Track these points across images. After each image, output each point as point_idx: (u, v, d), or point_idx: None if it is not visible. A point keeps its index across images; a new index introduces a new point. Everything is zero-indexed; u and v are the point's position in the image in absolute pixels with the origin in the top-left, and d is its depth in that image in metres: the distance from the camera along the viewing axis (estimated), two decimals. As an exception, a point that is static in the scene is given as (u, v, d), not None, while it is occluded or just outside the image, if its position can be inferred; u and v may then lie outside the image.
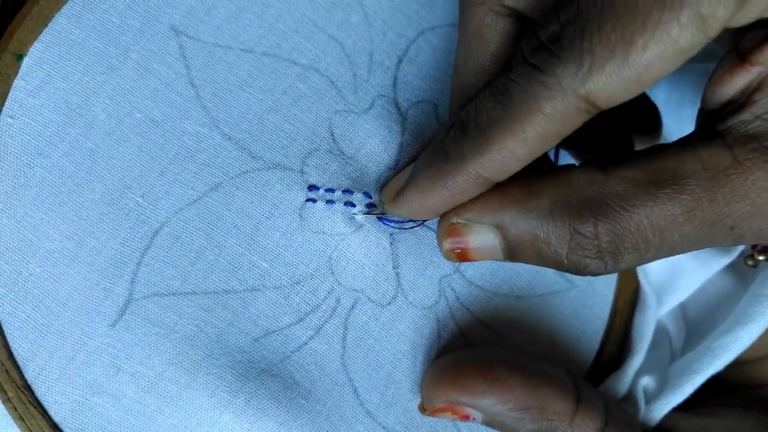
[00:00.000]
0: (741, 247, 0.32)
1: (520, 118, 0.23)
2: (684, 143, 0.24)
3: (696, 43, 0.21)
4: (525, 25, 0.26)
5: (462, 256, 0.26)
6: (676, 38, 0.21)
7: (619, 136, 0.30)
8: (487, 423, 0.28)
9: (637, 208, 0.23)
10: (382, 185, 0.29)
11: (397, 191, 0.27)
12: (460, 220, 0.25)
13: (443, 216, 0.26)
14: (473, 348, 0.30)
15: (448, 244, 0.26)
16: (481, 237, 0.25)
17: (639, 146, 0.30)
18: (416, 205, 0.26)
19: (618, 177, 0.23)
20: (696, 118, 0.26)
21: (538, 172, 0.25)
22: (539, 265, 0.25)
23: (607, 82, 0.21)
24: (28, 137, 0.26)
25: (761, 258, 0.33)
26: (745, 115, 0.23)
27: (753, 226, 0.23)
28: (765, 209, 0.23)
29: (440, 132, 0.26)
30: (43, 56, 0.26)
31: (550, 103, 0.22)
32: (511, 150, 0.23)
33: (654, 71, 0.21)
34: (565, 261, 0.24)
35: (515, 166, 0.24)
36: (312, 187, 0.28)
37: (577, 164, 0.26)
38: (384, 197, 0.28)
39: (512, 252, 0.25)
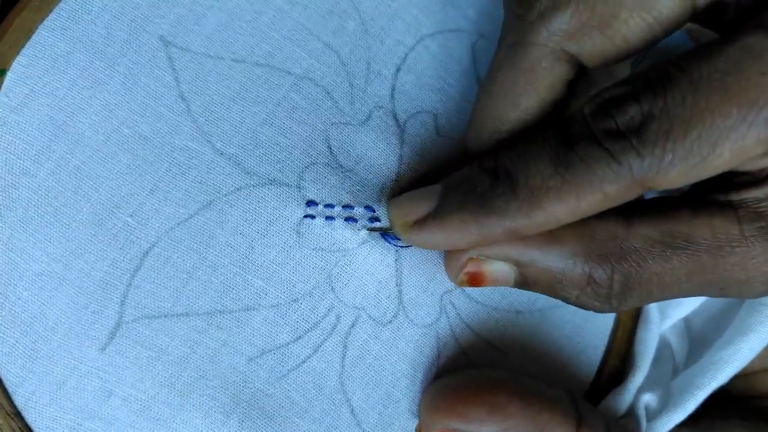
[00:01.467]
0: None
1: (578, 192, 0.23)
2: (698, 207, 0.25)
3: (760, 153, 0.22)
4: (579, 71, 0.26)
5: (473, 282, 0.26)
6: (749, 151, 0.22)
7: None
8: None
9: (649, 266, 0.24)
10: (389, 200, 0.28)
11: (416, 219, 0.26)
12: (480, 256, 0.26)
13: (459, 242, 0.26)
14: (472, 371, 0.29)
15: (463, 275, 0.26)
16: (497, 268, 0.26)
17: None
18: (437, 240, 0.26)
19: (637, 234, 0.25)
20: None
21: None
22: (545, 295, 0.26)
23: (676, 177, 0.22)
24: (12, 156, 0.25)
25: None
26: (759, 193, 0.24)
27: (740, 289, 0.25)
28: (755, 279, 0.25)
29: (473, 170, 0.25)
30: (26, 71, 0.25)
31: (615, 186, 0.23)
32: (557, 218, 0.24)
33: (716, 172, 0.23)
34: (574, 300, 0.25)
35: (553, 228, 0.24)
36: (310, 203, 0.28)
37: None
38: (397, 219, 0.27)
39: (524, 284, 0.26)
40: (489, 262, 0.26)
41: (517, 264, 0.26)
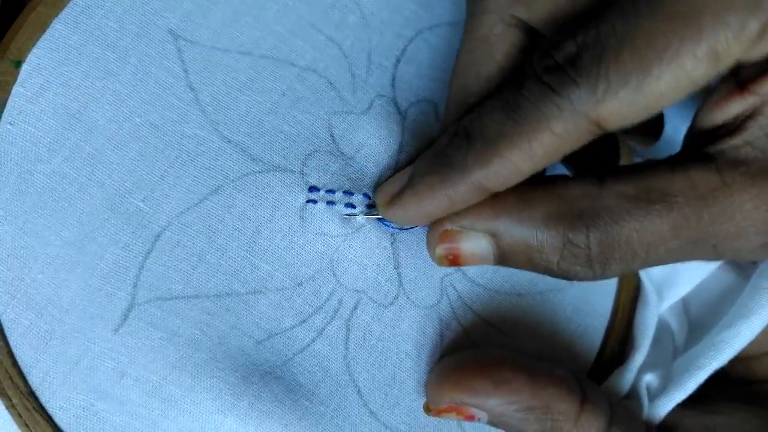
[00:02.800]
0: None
1: (529, 134, 0.23)
2: (674, 162, 0.24)
3: (707, 76, 0.22)
4: (532, 38, 0.26)
5: (454, 261, 0.26)
6: (690, 71, 0.22)
7: (607, 145, 0.30)
8: (492, 423, 0.28)
9: (627, 222, 0.24)
10: (377, 187, 0.29)
11: (394, 195, 0.27)
12: (454, 227, 0.26)
13: (436, 222, 0.26)
14: (478, 348, 0.30)
15: (441, 250, 0.26)
16: (474, 243, 0.26)
17: (640, 148, 0.30)
18: (413, 211, 0.26)
19: (611, 191, 0.24)
20: (684, 137, 0.26)
21: (532, 182, 0.25)
22: (528, 270, 0.26)
23: (619, 108, 0.22)
24: (28, 144, 0.26)
25: None
26: (736, 140, 0.24)
27: (734, 246, 0.24)
28: (747, 231, 0.24)
29: (441, 138, 0.26)
30: (41, 62, 0.26)
31: (561, 123, 0.23)
32: (515, 164, 0.24)
33: (665, 100, 0.22)
34: (556, 268, 0.25)
35: (517, 179, 0.24)
36: (312, 189, 0.28)
37: (569, 174, 0.27)
38: (379, 200, 0.28)
39: (504, 258, 0.26)
40: (465, 235, 0.26)
41: (492, 234, 0.25)
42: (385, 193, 0.28)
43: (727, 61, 0.22)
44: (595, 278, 0.25)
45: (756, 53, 0.22)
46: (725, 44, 0.21)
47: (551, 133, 0.23)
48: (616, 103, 0.22)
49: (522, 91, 0.24)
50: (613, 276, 0.25)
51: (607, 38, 0.22)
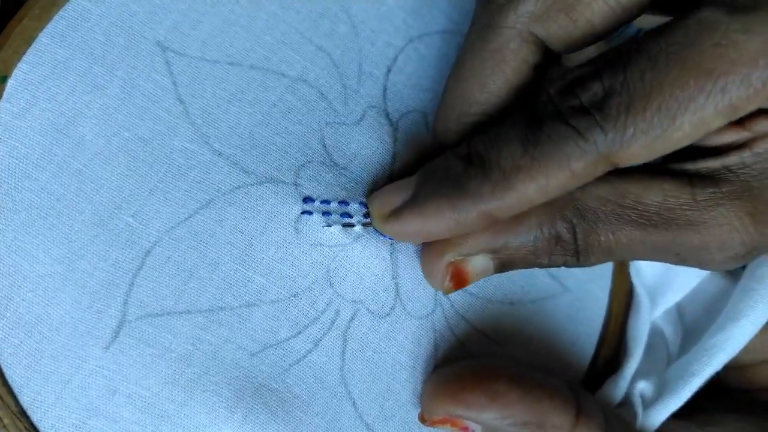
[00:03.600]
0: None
1: (547, 172, 0.24)
2: (651, 172, 0.26)
3: (722, 125, 0.23)
4: (545, 57, 0.27)
5: (459, 286, 0.27)
6: (709, 122, 0.23)
7: None
8: None
9: (603, 224, 0.26)
10: (368, 196, 0.28)
11: (393, 209, 0.27)
12: (457, 257, 0.27)
13: (433, 253, 0.27)
14: (474, 359, 0.30)
15: (448, 282, 0.27)
16: (477, 264, 0.27)
17: None
18: (413, 228, 0.26)
19: (590, 195, 0.26)
20: None
21: None
22: (523, 268, 0.28)
23: (639, 152, 0.23)
24: (14, 160, 0.26)
25: None
26: (715, 164, 0.25)
27: (696, 256, 0.26)
28: (710, 246, 0.25)
29: (448, 159, 0.26)
30: (27, 77, 0.26)
31: (581, 163, 0.23)
32: (529, 198, 0.24)
33: (680, 144, 0.23)
34: (547, 263, 0.27)
35: (525, 209, 0.25)
36: (307, 199, 0.28)
37: None
38: (375, 212, 0.28)
39: (503, 267, 0.27)
40: (469, 260, 0.27)
41: (493, 251, 0.27)
42: (381, 206, 0.27)
43: (742, 113, 0.23)
44: (576, 265, 0.27)
45: (766, 104, 0.23)
46: (745, 101, 0.22)
47: (570, 173, 0.24)
48: (637, 148, 0.23)
49: (544, 128, 0.24)
50: (593, 264, 0.27)
51: (635, 85, 0.23)
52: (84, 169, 0.26)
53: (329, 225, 0.28)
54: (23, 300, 0.26)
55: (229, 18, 0.28)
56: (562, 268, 0.32)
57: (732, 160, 0.25)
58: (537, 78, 0.27)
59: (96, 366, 0.26)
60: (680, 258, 0.26)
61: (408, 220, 0.26)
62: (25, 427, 0.25)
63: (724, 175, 0.25)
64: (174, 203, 0.27)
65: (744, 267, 0.33)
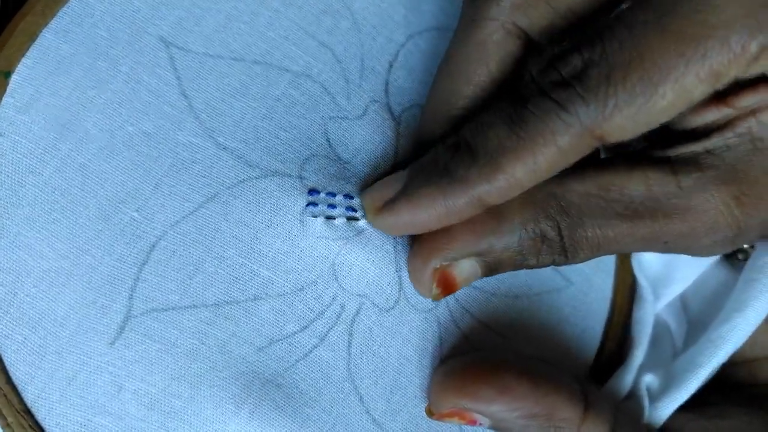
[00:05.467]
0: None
1: (534, 150, 0.24)
2: (633, 162, 0.25)
3: (706, 93, 0.23)
4: (529, 48, 0.27)
5: (447, 292, 0.27)
6: (691, 90, 0.23)
7: None
8: (495, 429, 0.28)
9: (589, 219, 0.25)
10: (362, 191, 0.28)
11: (385, 202, 0.27)
12: (443, 263, 0.26)
13: (419, 260, 0.27)
14: (482, 352, 0.30)
15: (436, 289, 0.27)
16: (464, 268, 0.26)
17: None
18: (405, 219, 0.26)
19: (573, 190, 0.26)
20: (651, 132, 0.27)
21: None
22: (512, 270, 0.27)
23: (623, 123, 0.23)
24: (18, 155, 0.26)
25: (747, 246, 0.33)
26: (697, 147, 0.25)
27: (683, 243, 0.26)
28: (697, 231, 0.25)
29: (437, 149, 0.26)
30: (31, 73, 0.26)
31: (567, 138, 0.23)
32: (518, 179, 0.24)
33: (665, 115, 0.23)
34: (536, 263, 0.26)
35: (516, 193, 0.25)
36: (312, 191, 0.28)
37: None
38: (368, 205, 0.28)
39: (491, 271, 0.27)
40: (456, 265, 0.26)
41: (478, 255, 0.26)
42: (373, 199, 0.27)
43: (725, 80, 0.23)
44: (567, 263, 0.27)
45: (751, 72, 0.23)
46: (726, 66, 0.22)
47: (556, 148, 0.23)
48: (621, 119, 0.23)
49: (527, 106, 0.24)
50: (583, 261, 0.27)
51: (614, 55, 0.23)
52: (88, 164, 0.26)
53: (334, 218, 0.28)
54: (27, 296, 0.25)
55: (232, 14, 0.29)
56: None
57: (715, 142, 0.25)
58: (521, 71, 0.27)
59: (101, 362, 0.26)
60: (667, 247, 0.26)
61: (399, 211, 0.26)
62: (29, 424, 0.25)
63: (708, 159, 0.25)
64: (179, 197, 0.27)
65: (746, 258, 0.33)
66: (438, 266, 0.26)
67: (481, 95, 0.27)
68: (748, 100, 0.24)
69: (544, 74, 0.24)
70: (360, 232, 0.28)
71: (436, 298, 0.27)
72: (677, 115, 0.23)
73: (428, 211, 0.25)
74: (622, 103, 0.23)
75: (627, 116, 0.23)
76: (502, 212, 0.26)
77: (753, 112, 0.24)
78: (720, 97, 0.24)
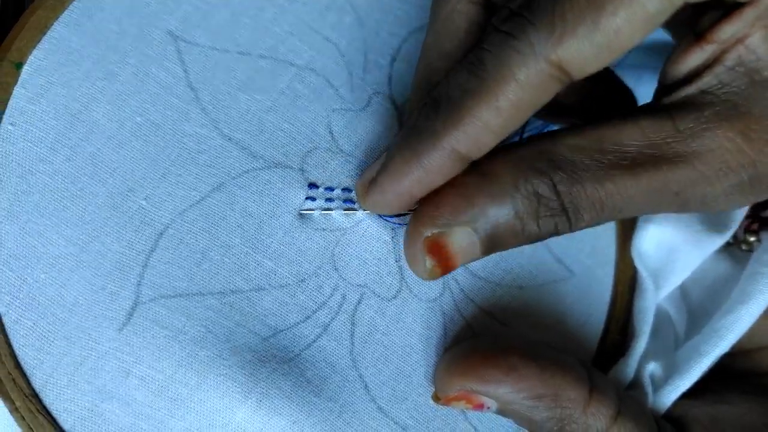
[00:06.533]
0: (734, 228, 0.32)
1: (494, 87, 0.23)
2: (626, 114, 0.24)
3: (663, 10, 0.22)
4: (493, 11, 0.27)
5: (445, 267, 0.25)
6: (644, 3, 0.22)
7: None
8: (501, 412, 0.28)
9: (585, 172, 0.24)
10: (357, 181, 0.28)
11: (370, 181, 0.26)
12: (434, 231, 0.25)
13: (412, 237, 0.25)
14: (488, 336, 0.30)
15: (429, 261, 0.25)
16: (460, 238, 0.25)
17: None
18: (390, 191, 0.25)
19: (564, 145, 0.24)
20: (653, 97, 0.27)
21: (489, 157, 0.25)
22: (518, 245, 0.25)
23: (579, 47, 0.22)
24: (29, 144, 0.26)
25: (752, 239, 0.34)
26: (690, 89, 0.24)
27: (696, 192, 0.24)
28: (707, 175, 0.24)
29: (411, 114, 0.26)
30: (42, 64, 0.27)
31: (524, 69, 0.23)
32: (485, 121, 0.23)
33: (623, 37, 0.22)
34: (539, 230, 0.24)
35: (490, 140, 0.24)
36: (312, 186, 0.29)
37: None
38: (358, 192, 0.27)
39: (492, 243, 0.25)
40: (449, 234, 0.24)
41: (472, 221, 0.24)
42: (362, 184, 0.27)
43: None
44: (572, 229, 0.25)
45: None
46: None
47: (516, 83, 0.23)
48: (575, 42, 0.22)
49: (483, 45, 0.24)
50: (588, 226, 0.25)
51: None
52: (98, 153, 0.27)
53: (330, 210, 0.29)
54: (36, 282, 0.26)
55: (238, 9, 0.29)
56: (568, 250, 0.33)
57: (707, 81, 0.24)
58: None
59: (109, 348, 0.26)
60: (682, 199, 0.24)
61: (382, 185, 0.25)
62: (37, 409, 0.25)
63: (704, 99, 0.24)
64: (186, 186, 0.27)
65: (749, 249, 0.33)
66: (429, 234, 0.25)
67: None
68: (725, 30, 0.23)
69: (498, 15, 0.24)
70: (358, 222, 0.29)
71: (433, 276, 0.25)
72: (641, 37, 0.22)
73: (408, 176, 0.25)
74: (572, 23, 0.22)
75: (581, 38, 0.22)
76: (490, 173, 0.24)
77: (739, 40, 0.23)
78: (698, 36, 0.24)
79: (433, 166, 0.24)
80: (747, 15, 0.23)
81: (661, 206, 0.25)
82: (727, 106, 0.23)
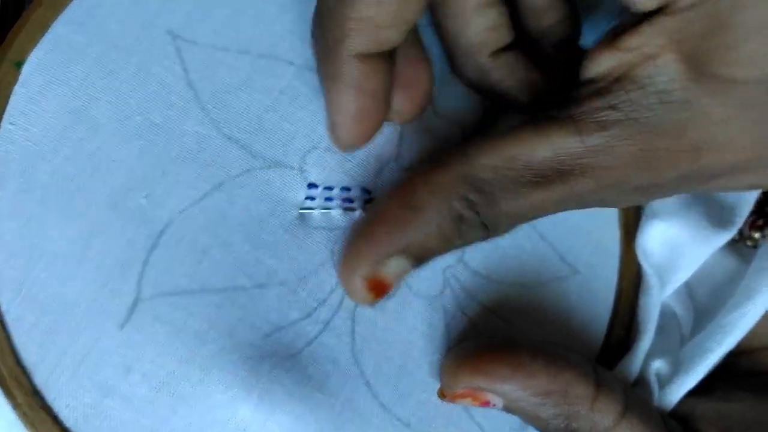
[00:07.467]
0: (739, 224, 0.32)
1: None
2: (538, 126, 0.25)
3: None
4: None
5: (382, 293, 0.26)
6: None
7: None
8: (507, 409, 0.28)
9: (502, 192, 0.25)
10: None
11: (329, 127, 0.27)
12: (369, 269, 0.26)
13: (346, 271, 0.26)
14: (493, 333, 0.30)
15: (372, 295, 0.26)
16: (393, 267, 0.26)
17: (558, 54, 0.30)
18: (344, 124, 0.26)
19: (480, 166, 0.25)
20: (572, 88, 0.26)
21: (410, 182, 0.26)
22: (444, 253, 0.26)
23: None
24: (29, 143, 0.26)
25: (757, 235, 0.33)
26: (600, 102, 0.24)
27: (597, 196, 0.25)
28: (608, 184, 0.25)
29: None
30: (42, 62, 0.27)
31: None
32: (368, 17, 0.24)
33: None
34: (461, 243, 0.26)
35: (380, 20, 0.24)
36: (311, 185, 0.29)
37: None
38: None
39: (419, 260, 0.26)
40: (383, 266, 0.26)
41: (402, 251, 0.25)
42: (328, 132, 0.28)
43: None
44: (490, 237, 0.26)
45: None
46: None
47: None
48: None
49: None
50: (505, 232, 0.26)
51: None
52: (98, 152, 0.27)
53: (329, 209, 0.29)
54: (38, 279, 0.26)
55: (239, 8, 0.29)
56: (571, 247, 0.33)
57: (618, 96, 0.24)
58: None
59: (110, 345, 0.26)
60: (584, 201, 0.25)
61: (333, 123, 0.26)
62: (39, 405, 0.25)
63: (611, 116, 0.24)
64: (186, 185, 0.27)
65: (754, 246, 0.33)
66: (365, 274, 0.26)
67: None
68: (631, 41, 0.23)
69: None
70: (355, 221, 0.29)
71: (372, 301, 0.26)
72: None
73: (345, 101, 0.26)
74: None
75: None
76: (414, 205, 0.25)
77: (650, 57, 0.23)
78: (611, 40, 0.24)
79: (352, 78, 0.25)
80: (647, 32, 0.23)
81: (566, 208, 0.26)
82: (633, 124, 0.24)
